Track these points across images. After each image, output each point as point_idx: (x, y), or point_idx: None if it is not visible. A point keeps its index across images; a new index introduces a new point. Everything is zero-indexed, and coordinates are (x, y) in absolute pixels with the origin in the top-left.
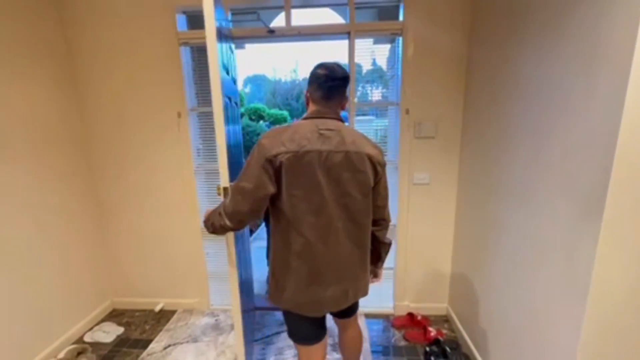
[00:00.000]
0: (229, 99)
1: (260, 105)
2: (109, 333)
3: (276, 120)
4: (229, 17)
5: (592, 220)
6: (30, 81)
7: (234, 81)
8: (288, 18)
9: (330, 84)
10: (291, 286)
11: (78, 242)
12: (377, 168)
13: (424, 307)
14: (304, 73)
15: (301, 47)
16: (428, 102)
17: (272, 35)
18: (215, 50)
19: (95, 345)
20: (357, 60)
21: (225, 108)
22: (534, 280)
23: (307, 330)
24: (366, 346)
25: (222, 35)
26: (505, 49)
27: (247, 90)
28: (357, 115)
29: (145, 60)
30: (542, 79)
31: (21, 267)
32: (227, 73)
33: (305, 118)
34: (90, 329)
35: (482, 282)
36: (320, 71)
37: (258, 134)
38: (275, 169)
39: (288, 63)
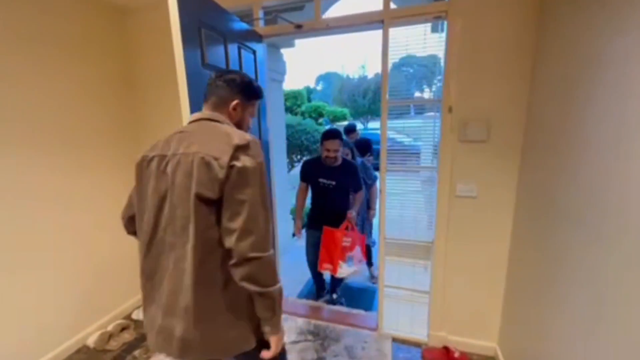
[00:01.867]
0: None
1: (320, 103)
2: None
3: (335, 118)
4: (260, 16)
5: None
6: None
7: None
8: (317, 11)
9: (209, 84)
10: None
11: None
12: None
13: (465, 343)
14: (375, 69)
15: (372, 38)
16: (478, 98)
17: (300, 30)
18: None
19: (139, 323)
20: (409, 51)
21: None
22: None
23: None
24: None
25: (221, 35)
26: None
27: (319, 87)
28: (391, 117)
29: None
30: None
31: (84, 246)
32: None
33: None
34: (139, 307)
35: (546, 326)
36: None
37: (308, 132)
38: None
39: (357, 59)
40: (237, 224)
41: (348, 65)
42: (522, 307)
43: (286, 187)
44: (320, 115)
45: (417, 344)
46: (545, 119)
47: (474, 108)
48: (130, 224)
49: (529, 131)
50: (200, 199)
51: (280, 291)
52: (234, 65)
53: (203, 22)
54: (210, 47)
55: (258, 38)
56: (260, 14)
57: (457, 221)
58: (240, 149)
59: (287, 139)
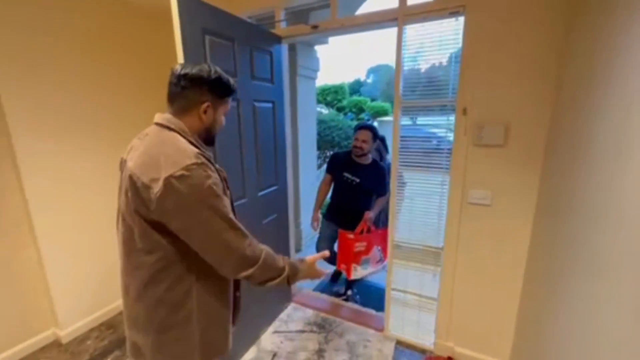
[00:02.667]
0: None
1: (361, 98)
2: None
3: (376, 113)
4: (282, 17)
5: None
6: None
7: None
8: (334, 11)
9: (171, 83)
10: None
11: None
12: (142, 194)
13: (473, 357)
14: (430, 60)
15: (425, 30)
16: (495, 99)
17: (316, 31)
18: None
19: None
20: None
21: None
22: None
23: None
24: None
25: (227, 38)
26: None
27: (370, 80)
28: (404, 117)
29: None
30: None
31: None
32: (253, 77)
33: None
34: None
35: (568, 347)
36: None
37: (340, 129)
38: None
39: (410, 50)
40: (208, 257)
41: (408, 50)
42: (540, 325)
43: (314, 183)
44: (361, 110)
45: (421, 351)
46: (573, 124)
47: (491, 110)
48: None
49: (553, 136)
50: (139, 214)
51: (287, 271)
52: (244, 68)
53: (207, 29)
54: (216, 52)
55: (276, 39)
56: (282, 15)
57: (468, 229)
58: (175, 179)
59: (319, 134)
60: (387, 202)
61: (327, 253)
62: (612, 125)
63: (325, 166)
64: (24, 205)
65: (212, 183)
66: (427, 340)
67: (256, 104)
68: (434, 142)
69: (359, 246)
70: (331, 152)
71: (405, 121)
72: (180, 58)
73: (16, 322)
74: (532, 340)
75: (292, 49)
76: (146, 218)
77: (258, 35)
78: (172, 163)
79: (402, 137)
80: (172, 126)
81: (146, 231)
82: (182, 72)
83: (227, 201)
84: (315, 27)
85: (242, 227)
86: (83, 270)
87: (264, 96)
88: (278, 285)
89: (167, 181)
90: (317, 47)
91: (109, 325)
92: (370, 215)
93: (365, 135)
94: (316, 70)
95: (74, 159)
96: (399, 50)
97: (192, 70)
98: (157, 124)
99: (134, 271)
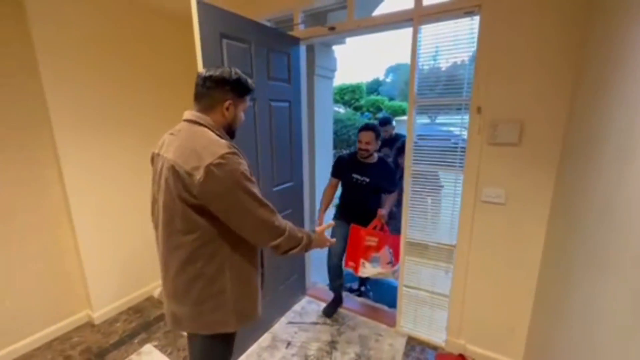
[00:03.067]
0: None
1: (379, 97)
2: None
3: (394, 112)
4: (300, 19)
5: None
6: None
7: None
8: (350, 12)
9: (198, 85)
10: None
11: None
12: (185, 180)
13: (485, 355)
14: (450, 59)
15: (443, 28)
16: (510, 98)
17: (333, 32)
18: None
19: None
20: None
21: (269, 111)
22: None
23: None
24: None
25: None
26: None
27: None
28: (419, 116)
29: None
30: None
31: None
32: (269, 77)
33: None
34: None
35: (582, 348)
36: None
37: (357, 128)
38: None
39: (429, 49)
40: (244, 232)
41: (423, 49)
42: (554, 326)
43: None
44: (379, 109)
45: (433, 347)
46: (589, 124)
47: (506, 109)
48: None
49: (569, 137)
50: (181, 199)
51: (305, 240)
52: (260, 69)
53: (224, 33)
54: (232, 54)
55: (294, 41)
56: (301, 17)
57: (481, 227)
58: (214, 166)
59: (335, 133)
60: (398, 199)
61: (332, 223)
62: (622, 125)
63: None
64: (64, 196)
65: (244, 169)
66: (438, 338)
67: (272, 103)
68: (448, 140)
69: (370, 240)
70: (345, 151)
71: (420, 120)
72: (200, 60)
73: (54, 304)
74: (546, 340)
75: (310, 49)
76: (188, 202)
77: (275, 38)
78: (210, 153)
79: (417, 135)
80: (202, 121)
81: (186, 214)
82: (207, 74)
83: (256, 183)
84: (332, 28)
85: (270, 204)
86: (114, 258)
87: (280, 96)
88: (298, 252)
89: (208, 168)
90: (334, 47)
91: (136, 309)
92: (383, 212)
93: (368, 136)
94: (333, 70)
95: (107, 155)
96: (414, 50)
97: (215, 72)
98: (187, 120)
99: (174, 251)
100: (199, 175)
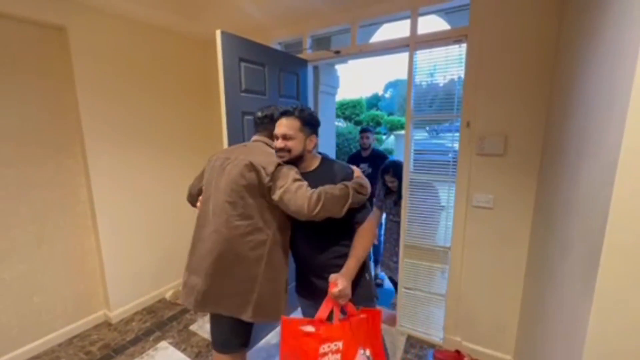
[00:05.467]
0: None
1: (378, 112)
2: None
3: (393, 127)
4: (308, 44)
5: None
6: None
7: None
8: (354, 38)
9: (255, 122)
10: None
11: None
12: (261, 174)
13: (479, 352)
14: (447, 75)
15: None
16: (495, 113)
17: (338, 55)
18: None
19: None
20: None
21: None
22: None
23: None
24: None
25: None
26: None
27: (388, 95)
28: (415, 130)
29: None
30: None
31: (167, 220)
32: (280, 94)
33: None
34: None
35: (562, 339)
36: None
37: (356, 141)
38: None
39: (428, 65)
40: (291, 207)
41: (419, 72)
42: (539, 320)
43: None
44: (378, 124)
45: (431, 345)
46: (559, 131)
47: (492, 123)
48: (193, 198)
49: (547, 145)
50: (246, 189)
51: (350, 193)
52: (272, 87)
53: (242, 58)
54: (249, 75)
55: (303, 63)
56: (309, 41)
57: (473, 230)
58: (280, 165)
59: (337, 146)
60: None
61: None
62: (579, 131)
63: None
64: (90, 201)
65: (290, 167)
66: (436, 336)
67: None
68: (441, 151)
69: (327, 347)
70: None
71: (418, 134)
72: (222, 80)
73: (75, 302)
74: (532, 334)
75: (315, 68)
76: (251, 192)
77: (286, 60)
78: (275, 158)
79: (414, 147)
80: (262, 141)
81: (247, 202)
82: (260, 114)
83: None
84: (337, 52)
85: (306, 184)
86: (131, 262)
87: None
88: (352, 204)
89: (278, 166)
90: (337, 66)
91: (150, 310)
92: (339, 281)
93: (288, 125)
94: (336, 87)
95: (132, 165)
96: (411, 72)
97: (263, 112)
98: (254, 140)
99: (227, 232)
100: (269, 170)
